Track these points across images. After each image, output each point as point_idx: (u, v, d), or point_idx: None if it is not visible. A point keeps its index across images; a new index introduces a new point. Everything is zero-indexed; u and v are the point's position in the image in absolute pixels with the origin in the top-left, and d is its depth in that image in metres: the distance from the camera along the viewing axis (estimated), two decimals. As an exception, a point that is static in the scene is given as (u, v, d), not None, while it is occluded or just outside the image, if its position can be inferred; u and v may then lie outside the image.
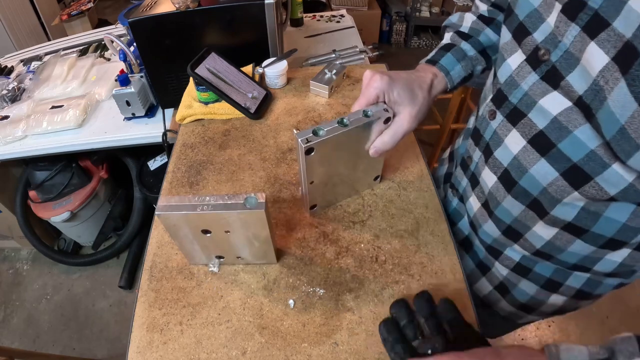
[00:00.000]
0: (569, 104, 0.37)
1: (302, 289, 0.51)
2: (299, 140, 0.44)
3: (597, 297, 0.55)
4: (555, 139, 0.39)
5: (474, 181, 0.54)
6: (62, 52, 1.49)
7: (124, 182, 1.64)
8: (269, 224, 0.45)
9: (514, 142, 0.44)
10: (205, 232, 0.46)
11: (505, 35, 0.45)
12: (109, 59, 1.42)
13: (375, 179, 0.61)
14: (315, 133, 0.45)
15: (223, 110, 0.78)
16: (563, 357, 0.33)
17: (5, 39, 2.22)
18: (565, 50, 0.36)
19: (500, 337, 1.39)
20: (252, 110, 0.78)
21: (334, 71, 0.83)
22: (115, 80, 1.14)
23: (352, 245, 0.55)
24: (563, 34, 0.36)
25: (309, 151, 0.45)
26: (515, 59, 0.43)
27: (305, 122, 0.77)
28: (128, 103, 1.10)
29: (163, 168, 1.41)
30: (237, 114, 0.78)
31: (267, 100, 0.81)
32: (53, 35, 2.54)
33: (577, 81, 0.35)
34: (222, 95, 0.76)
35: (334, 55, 1.17)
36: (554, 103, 0.38)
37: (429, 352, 0.39)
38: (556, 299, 0.55)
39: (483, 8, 0.59)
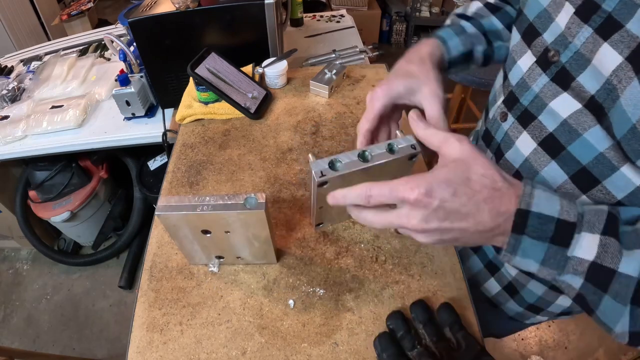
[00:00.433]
0: (578, 106, 0.37)
1: (302, 289, 0.51)
2: (313, 172, 0.41)
3: None
4: (565, 142, 0.39)
5: None
6: (62, 52, 1.49)
7: (124, 182, 1.64)
8: (269, 224, 0.45)
9: (525, 144, 0.44)
10: (205, 232, 0.46)
11: (515, 36, 0.45)
12: (109, 59, 1.42)
13: None
14: (332, 166, 0.41)
15: (223, 110, 0.78)
16: (534, 202, 0.32)
17: (5, 39, 2.22)
18: (575, 51, 0.36)
19: (500, 338, 1.40)
20: (252, 110, 0.78)
21: (334, 71, 0.83)
22: (115, 80, 1.14)
23: (352, 245, 0.55)
24: (574, 35, 0.36)
25: (322, 184, 0.42)
26: (526, 61, 0.43)
27: (305, 122, 0.77)
28: (128, 103, 1.10)
29: (163, 168, 1.41)
30: (237, 114, 0.78)
31: (267, 100, 0.81)
32: (53, 35, 2.54)
33: (588, 81, 0.35)
34: (222, 95, 0.76)
35: (334, 55, 1.17)
36: (564, 105, 0.38)
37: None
38: (564, 299, 0.55)
39: None
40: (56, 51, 1.52)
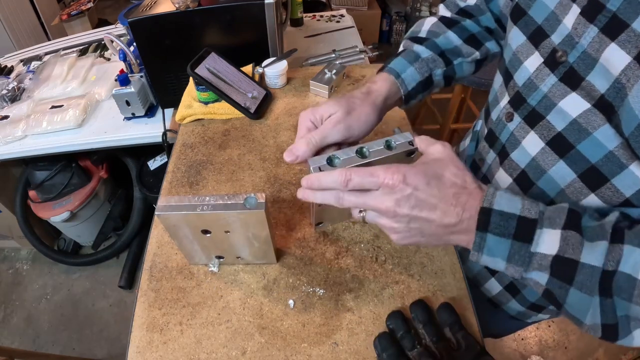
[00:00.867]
0: (588, 105, 0.37)
1: (302, 289, 0.51)
2: (311, 168, 0.41)
3: None
4: (575, 141, 0.39)
5: (486, 183, 0.54)
6: (62, 52, 1.49)
7: (124, 182, 1.64)
8: (269, 224, 0.45)
9: (532, 144, 0.44)
10: (205, 232, 0.46)
11: (519, 37, 0.45)
12: (108, 59, 1.42)
13: None
14: (329, 162, 0.41)
15: (223, 110, 0.78)
16: (496, 201, 0.35)
17: (5, 38, 2.22)
18: (582, 51, 0.37)
19: (501, 338, 1.40)
20: (252, 110, 0.78)
21: (334, 71, 0.83)
22: (115, 80, 1.14)
23: (352, 245, 0.55)
24: (581, 35, 0.37)
25: None
26: (533, 62, 0.43)
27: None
28: (128, 103, 1.10)
29: (163, 168, 1.41)
30: (237, 113, 0.78)
31: (267, 100, 0.81)
32: (53, 35, 2.53)
33: (598, 81, 0.36)
34: (222, 95, 0.76)
35: (333, 55, 1.17)
36: (573, 105, 0.38)
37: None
38: None
39: (446, 13, 0.58)
40: (56, 51, 1.52)
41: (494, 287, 0.61)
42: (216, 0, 0.85)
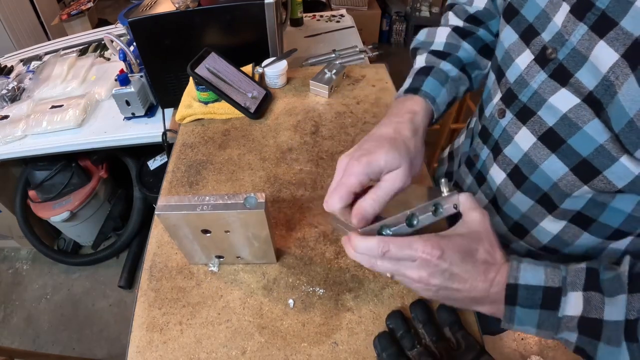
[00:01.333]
0: (577, 100, 0.38)
1: (302, 288, 0.51)
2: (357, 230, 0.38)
3: None
4: (565, 135, 0.40)
5: (480, 179, 0.55)
6: (62, 52, 1.49)
7: (124, 181, 1.64)
8: (269, 224, 0.45)
9: (524, 139, 0.45)
10: (205, 232, 0.46)
11: (512, 36, 0.46)
12: (108, 59, 1.42)
13: None
14: (379, 233, 0.38)
15: (223, 110, 0.78)
16: (521, 275, 0.36)
17: (5, 38, 2.22)
18: (572, 48, 0.37)
19: (500, 336, 1.40)
20: (252, 110, 0.78)
21: (334, 71, 0.83)
22: (115, 80, 1.14)
23: (351, 245, 0.55)
24: (570, 33, 0.37)
25: None
26: (524, 59, 0.44)
27: (305, 122, 0.77)
28: (128, 103, 1.10)
29: (163, 168, 1.41)
30: (237, 113, 0.78)
31: (267, 100, 0.81)
32: (53, 35, 2.53)
33: (586, 77, 0.36)
34: (221, 95, 0.76)
35: (333, 55, 1.17)
36: (563, 100, 0.39)
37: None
38: None
39: (458, 22, 0.57)
40: (56, 51, 1.52)
41: None
42: (216, 0, 0.85)
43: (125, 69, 1.11)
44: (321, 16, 1.56)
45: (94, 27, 2.61)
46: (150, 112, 1.15)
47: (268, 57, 0.91)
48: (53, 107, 1.17)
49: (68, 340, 1.51)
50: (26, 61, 1.52)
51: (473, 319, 0.47)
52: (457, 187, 0.62)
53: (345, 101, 0.81)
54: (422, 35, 0.59)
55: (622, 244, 0.47)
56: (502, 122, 0.48)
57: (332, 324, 0.48)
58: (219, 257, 0.53)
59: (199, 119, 0.80)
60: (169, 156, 0.74)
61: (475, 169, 0.56)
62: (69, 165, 1.44)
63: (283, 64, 0.85)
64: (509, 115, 0.47)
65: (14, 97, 1.30)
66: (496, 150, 0.50)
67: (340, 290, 0.51)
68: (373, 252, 0.36)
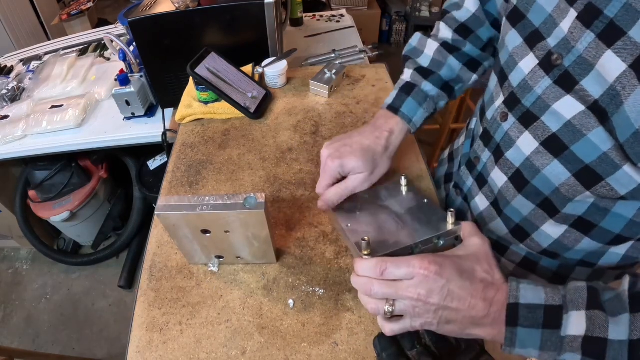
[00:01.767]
0: (582, 107, 0.37)
1: (302, 288, 0.51)
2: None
3: None
4: (569, 142, 0.40)
5: (481, 181, 0.55)
6: (62, 52, 1.49)
7: (124, 181, 1.64)
8: (269, 224, 0.45)
9: (527, 144, 0.45)
10: (205, 232, 0.46)
11: (516, 39, 0.45)
12: (108, 59, 1.42)
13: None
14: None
15: (223, 109, 0.78)
16: (521, 295, 0.36)
17: (5, 38, 2.22)
18: (578, 55, 0.37)
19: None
20: (252, 110, 0.78)
21: (334, 71, 0.83)
22: (115, 80, 1.14)
23: (351, 245, 0.55)
24: (577, 40, 0.37)
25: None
26: (528, 63, 0.43)
27: (305, 122, 0.77)
28: (128, 103, 1.10)
29: (163, 168, 1.41)
30: (237, 113, 0.78)
31: (266, 100, 0.81)
32: (53, 35, 2.53)
33: (592, 86, 0.36)
34: (221, 95, 0.76)
35: (333, 55, 1.17)
36: (567, 107, 0.39)
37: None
38: None
39: (447, 35, 0.59)
40: (56, 51, 1.53)
41: None
42: (216, 0, 0.85)
43: (125, 69, 1.11)
44: (321, 16, 1.56)
45: (94, 27, 2.61)
46: (150, 112, 1.15)
47: (268, 57, 0.91)
48: (53, 107, 1.17)
49: (68, 340, 1.51)
50: (26, 61, 1.52)
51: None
52: (457, 189, 0.62)
53: (345, 101, 0.81)
54: (414, 40, 0.63)
55: (622, 248, 0.47)
56: (504, 126, 0.48)
57: (332, 324, 0.48)
58: (219, 257, 0.53)
59: (199, 119, 0.79)
60: (169, 156, 0.74)
61: (476, 172, 0.56)
62: (69, 165, 1.44)
63: (283, 64, 0.85)
64: (511, 119, 0.46)
65: (14, 97, 1.30)
66: (498, 154, 0.50)
67: (340, 291, 0.50)
68: (372, 272, 0.38)
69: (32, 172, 1.42)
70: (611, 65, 0.33)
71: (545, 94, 0.41)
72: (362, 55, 1.17)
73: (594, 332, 0.33)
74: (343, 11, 1.60)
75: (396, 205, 0.49)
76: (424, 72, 0.59)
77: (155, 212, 0.44)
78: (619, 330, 0.33)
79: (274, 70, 0.84)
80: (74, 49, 1.52)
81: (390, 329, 0.39)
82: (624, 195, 0.38)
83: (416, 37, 0.62)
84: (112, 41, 1.04)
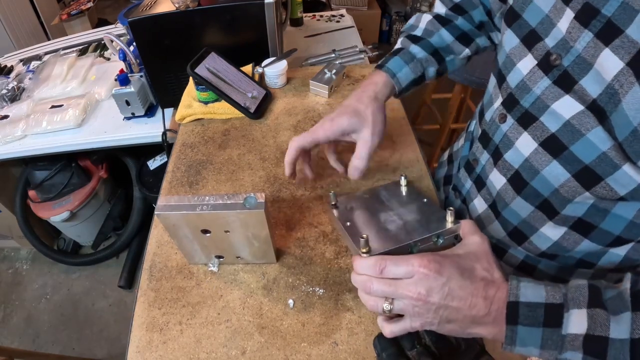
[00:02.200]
0: (581, 107, 0.37)
1: (302, 288, 0.51)
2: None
3: None
4: (568, 142, 0.39)
5: (480, 183, 0.55)
6: (62, 52, 1.49)
7: (124, 181, 1.64)
8: (269, 224, 0.45)
9: (525, 145, 0.45)
10: (205, 231, 0.46)
11: (513, 40, 0.45)
12: (108, 59, 1.42)
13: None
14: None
15: (223, 109, 0.78)
16: (521, 293, 0.36)
17: (5, 38, 2.22)
18: (577, 55, 0.37)
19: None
20: (252, 110, 0.78)
21: (334, 71, 0.83)
22: (115, 80, 1.14)
23: (351, 245, 0.55)
24: (575, 40, 0.37)
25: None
26: (526, 64, 0.43)
27: (305, 122, 0.77)
28: (128, 103, 1.10)
29: (163, 168, 1.41)
30: (237, 113, 0.78)
31: (266, 100, 0.81)
32: (53, 35, 2.53)
33: (590, 85, 0.36)
34: (221, 95, 0.76)
35: (333, 55, 1.17)
36: (566, 107, 0.39)
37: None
38: None
39: (441, 10, 0.60)
40: (56, 51, 1.52)
41: None
42: (216, 0, 0.85)
43: (125, 69, 1.11)
44: (321, 16, 1.56)
45: (94, 27, 2.60)
46: (150, 112, 1.15)
47: (268, 57, 0.91)
48: (53, 107, 1.17)
49: (68, 340, 1.51)
50: (26, 61, 1.52)
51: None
52: (456, 191, 0.62)
53: (345, 101, 0.81)
54: (412, 19, 0.64)
55: (622, 250, 0.47)
56: (502, 127, 0.48)
57: (332, 324, 0.48)
58: (219, 257, 0.53)
59: (198, 119, 0.79)
60: (168, 156, 0.74)
61: (475, 174, 0.56)
62: (69, 165, 1.44)
63: (283, 64, 0.85)
64: (510, 120, 0.46)
65: (14, 97, 1.30)
66: (496, 155, 0.50)
67: (340, 290, 0.51)
68: (371, 270, 0.37)
69: (32, 172, 1.42)
70: (609, 63, 0.34)
71: (544, 94, 0.41)
72: (362, 55, 1.17)
73: (595, 331, 0.33)
74: (343, 11, 1.60)
75: (396, 204, 0.49)
76: (413, 38, 0.59)
77: (155, 212, 0.44)
78: (620, 328, 0.33)
79: (274, 70, 0.84)
80: (74, 49, 1.52)
81: (390, 330, 0.39)
82: (624, 195, 0.38)
83: (414, 16, 0.63)
84: (112, 41, 1.04)
